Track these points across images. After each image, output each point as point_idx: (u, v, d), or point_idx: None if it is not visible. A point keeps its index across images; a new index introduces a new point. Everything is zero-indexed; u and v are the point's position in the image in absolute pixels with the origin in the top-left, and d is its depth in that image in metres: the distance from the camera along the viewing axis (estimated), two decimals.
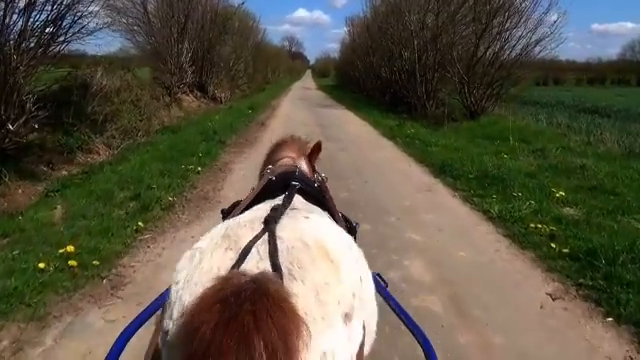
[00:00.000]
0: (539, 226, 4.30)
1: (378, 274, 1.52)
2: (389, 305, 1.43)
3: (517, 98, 13.66)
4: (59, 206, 5.13)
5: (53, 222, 4.53)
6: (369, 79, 24.96)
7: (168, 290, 1.13)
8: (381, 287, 1.45)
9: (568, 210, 4.98)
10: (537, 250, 3.87)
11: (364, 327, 1.09)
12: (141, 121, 12.00)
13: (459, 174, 6.40)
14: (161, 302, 1.25)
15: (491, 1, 12.00)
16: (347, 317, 1.02)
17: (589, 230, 4.20)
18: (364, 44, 26.03)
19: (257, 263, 1.03)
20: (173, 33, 18.04)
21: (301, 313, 0.89)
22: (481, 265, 3.63)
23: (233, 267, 1.01)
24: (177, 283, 1.06)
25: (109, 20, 11.69)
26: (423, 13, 15.88)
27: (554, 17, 11.52)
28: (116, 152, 9.57)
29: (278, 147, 2.14)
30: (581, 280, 3.32)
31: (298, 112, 15.66)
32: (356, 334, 1.05)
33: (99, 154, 9.83)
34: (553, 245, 3.88)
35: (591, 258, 3.53)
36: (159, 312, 1.25)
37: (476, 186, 5.86)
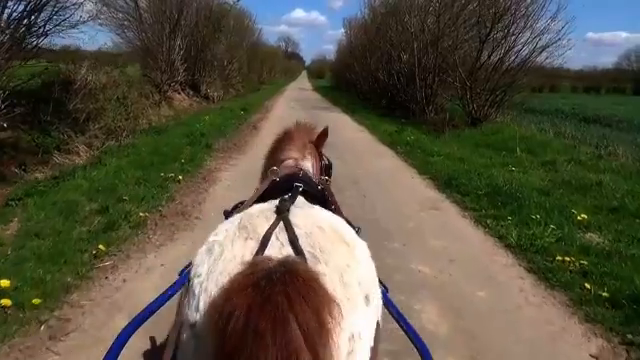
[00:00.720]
0: (566, 259, 3.70)
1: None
2: (389, 311, 1.38)
3: (520, 106, 13.09)
4: (16, 219, 4.47)
5: (2, 242, 3.87)
6: (366, 82, 24.41)
7: (172, 287, 1.26)
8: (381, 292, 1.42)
9: (592, 236, 4.39)
10: (569, 291, 3.27)
11: (378, 311, 1.13)
12: (127, 120, 11.33)
13: (467, 189, 5.80)
14: (162, 300, 1.28)
15: (496, 4, 11.45)
16: (367, 299, 1.06)
17: (624, 265, 3.62)
18: (361, 46, 25.48)
19: (280, 249, 1.06)
20: (165, 29, 17.37)
21: (330, 293, 0.91)
22: (505, 312, 3.01)
23: (256, 254, 1.03)
24: (199, 276, 1.05)
25: (94, 12, 11.03)
26: (423, 15, 15.33)
27: (561, 23, 10.97)
28: (96, 153, 8.94)
29: (283, 142, 2.13)
30: (630, 336, 2.72)
31: (292, 114, 15.02)
32: (374, 315, 1.10)
33: (79, 155, 9.15)
34: (587, 285, 3.28)
35: (638, 306, 2.94)
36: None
37: (487, 204, 5.26)
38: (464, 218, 4.93)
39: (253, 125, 11.87)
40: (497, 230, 4.47)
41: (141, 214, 4.41)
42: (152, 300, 1.30)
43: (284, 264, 0.91)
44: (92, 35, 11.52)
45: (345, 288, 1.00)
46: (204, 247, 1.13)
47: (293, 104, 20.80)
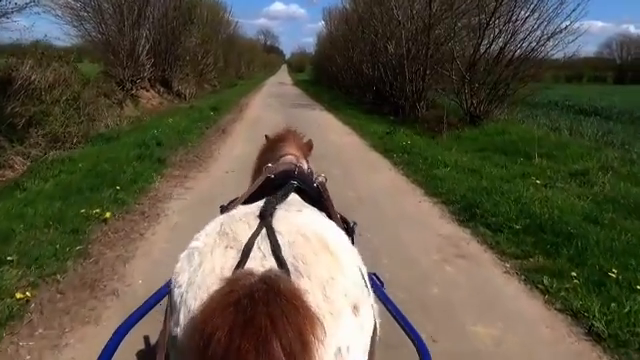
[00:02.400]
0: None
1: (374, 274, 1.49)
2: (385, 306, 1.35)
3: (522, 101, 11.69)
4: None
5: None
6: (348, 75, 22.95)
7: (163, 288, 1.27)
8: (377, 287, 1.39)
9: None
10: None
11: (373, 316, 1.09)
12: (80, 124, 9.68)
13: (497, 221, 4.32)
14: (155, 300, 1.31)
15: None
16: (355, 308, 1.01)
17: None
18: (343, 37, 23.98)
19: (261, 261, 1.01)
20: (127, 19, 15.57)
21: (313, 310, 0.88)
22: None
23: (237, 266, 0.99)
24: (179, 286, 1.02)
25: None
26: (411, 0, 13.85)
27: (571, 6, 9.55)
28: (25, 167, 7.32)
29: (279, 142, 2.10)
30: None
31: (270, 114, 13.40)
32: (368, 322, 1.06)
33: (13, 168, 7.52)
34: None
35: None
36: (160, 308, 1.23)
37: (533, 247, 3.80)
38: (507, 274, 3.43)
39: (222, 129, 10.21)
40: (564, 300, 3.00)
41: (19, 295, 2.81)
42: (141, 304, 1.31)
43: (266, 280, 0.88)
44: (31, 26, 9.67)
45: (329, 302, 0.96)
46: (185, 252, 1.09)
47: (271, 101, 19.13)
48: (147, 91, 17.94)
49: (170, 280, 1.14)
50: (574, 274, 3.27)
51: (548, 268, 3.40)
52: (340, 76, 25.06)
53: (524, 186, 5.71)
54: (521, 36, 10.09)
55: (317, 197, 1.60)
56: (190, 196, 5.11)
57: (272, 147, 2.10)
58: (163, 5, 19.48)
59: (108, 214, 4.23)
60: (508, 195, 5.10)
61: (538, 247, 3.79)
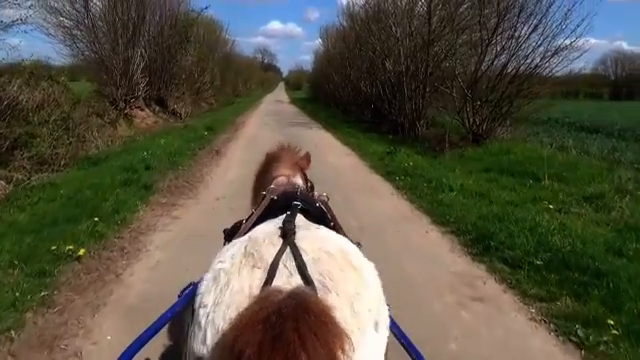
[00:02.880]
0: None
1: None
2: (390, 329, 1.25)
3: (527, 119, 11.33)
4: None
5: None
6: (346, 93, 22.72)
7: (173, 308, 1.29)
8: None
9: None
10: None
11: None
12: (69, 145, 9.29)
13: (515, 256, 3.89)
14: (162, 322, 1.30)
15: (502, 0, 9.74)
16: (377, 325, 1.04)
17: None
18: (340, 55, 23.84)
19: (288, 279, 1.02)
20: (121, 38, 15.31)
21: (341, 326, 0.89)
22: None
23: (264, 285, 1.00)
24: (205, 306, 1.02)
25: (24, 15, 9.00)
26: (410, 17, 13.63)
27: (576, 21, 9.27)
28: (7, 192, 6.91)
29: (271, 162, 2.12)
30: None
31: (266, 133, 13.03)
32: (384, 339, 1.08)
33: None
34: None
35: None
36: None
37: (557, 286, 3.36)
38: (533, 321, 2.98)
39: (216, 150, 9.81)
40: (604, 356, 2.57)
41: None
42: (153, 322, 1.28)
43: (294, 297, 0.89)
44: (17, 44, 9.31)
45: (356, 317, 0.98)
46: (209, 274, 1.10)
47: (268, 119, 18.80)
48: (142, 110, 17.61)
49: (176, 303, 1.21)
50: (611, 322, 2.83)
51: (580, 314, 2.97)
52: (337, 94, 24.86)
53: (537, 212, 5.31)
54: (524, 52, 9.79)
55: (321, 216, 1.61)
56: (176, 227, 4.67)
57: (267, 168, 2.11)
58: (159, 23, 19.30)
59: (82, 251, 3.79)
60: (522, 223, 4.68)
61: (564, 287, 3.36)
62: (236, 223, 1.69)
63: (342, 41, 23.47)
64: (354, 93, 20.97)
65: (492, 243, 4.17)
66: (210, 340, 0.95)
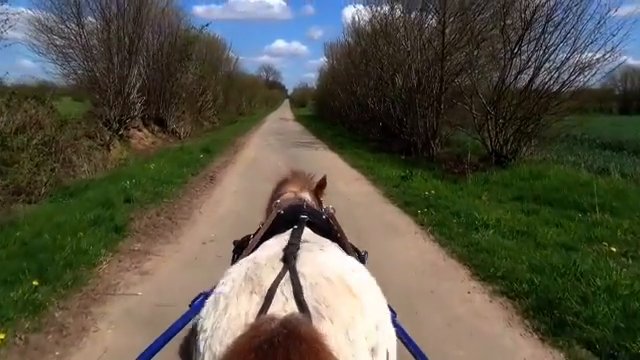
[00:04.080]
0: None
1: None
2: (398, 337, 1.29)
3: (558, 138, 10.23)
4: None
5: None
6: (352, 110, 21.80)
7: (182, 319, 1.31)
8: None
9: None
10: None
11: (387, 354, 1.09)
12: (52, 171, 8.33)
13: (601, 337, 2.79)
14: (172, 333, 1.31)
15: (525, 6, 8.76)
16: (373, 351, 1.03)
17: None
18: (345, 71, 23.00)
19: (284, 305, 1.02)
20: (114, 55, 14.56)
21: (334, 354, 0.90)
22: None
23: (261, 311, 1.01)
24: (205, 331, 1.04)
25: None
26: (420, 30, 12.72)
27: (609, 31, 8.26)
28: None
29: (281, 184, 2.18)
30: None
31: (268, 155, 12.02)
32: None
33: None
34: None
35: None
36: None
37: None
38: None
39: (210, 176, 8.78)
40: None
41: None
42: (162, 333, 1.30)
43: (286, 325, 0.89)
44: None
45: (351, 345, 0.98)
46: (212, 297, 1.12)
47: (271, 139, 17.82)
48: (139, 130, 16.82)
49: (185, 314, 1.30)
50: None
51: None
52: (343, 111, 24.01)
53: (599, 258, 4.22)
54: (554, 65, 8.76)
55: (327, 229, 1.63)
56: (144, 289, 3.60)
57: (278, 187, 2.16)
58: (158, 41, 18.61)
59: (2, 336, 2.73)
60: (592, 279, 3.58)
61: None
62: (244, 237, 1.74)
63: (347, 57, 22.69)
64: (360, 110, 20.05)
65: (564, 316, 3.05)
66: None
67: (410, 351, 1.39)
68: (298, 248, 1.22)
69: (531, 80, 9.08)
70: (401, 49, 13.88)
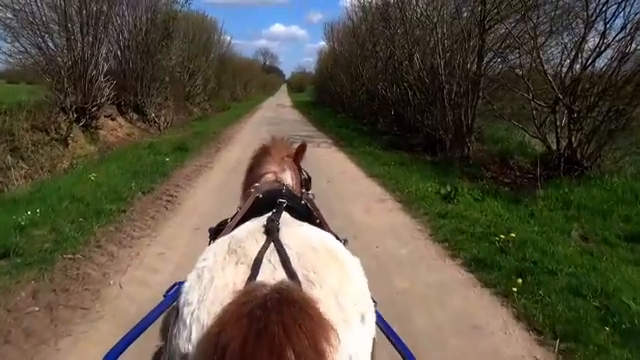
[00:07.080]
0: None
1: None
2: (377, 326, 1.24)
3: None
4: None
5: None
6: (356, 96, 19.16)
7: (159, 306, 1.26)
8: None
9: None
10: None
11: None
12: None
13: None
14: (149, 321, 1.27)
15: None
16: (362, 318, 1.02)
17: None
18: (349, 53, 20.32)
19: (272, 273, 1.01)
20: (78, 33, 11.90)
21: (326, 317, 0.87)
22: None
23: (249, 280, 0.99)
24: (190, 304, 1.00)
25: None
26: None
27: None
28: None
29: (260, 158, 2.07)
30: None
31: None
32: (371, 332, 1.08)
33: None
34: None
35: None
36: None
37: None
38: None
39: (169, 195, 6.09)
40: None
41: None
42: (138, 321, 1.26)
43: (279, 291, 0.87)
44: None
45: (341, 310, 0.97)
46: (193, 273, 1.08)
47: (264, 131, 15.12)
48: (112, 120, 14.21)
49: (161, 302, 1.25)
50: None
51: None
52: (346, 97, 21.35)
53: None
54: None
55: (307, 214, 1.62)
56: None
57: (256, 164, 2.05)
58: (132, 16, 15.87)
59: None
60: None
61: None
62: (221, 222, 1.71)
63: (351, 37, 19.99)
64: (367, 97, 17.39)
65: None
66: (195, 337, 0.93)
67: (390, 340, 1.33)
68: (279, 223, 1.19)
69: (622, 58, 6.41)
70: (421, 20, 11.20)
